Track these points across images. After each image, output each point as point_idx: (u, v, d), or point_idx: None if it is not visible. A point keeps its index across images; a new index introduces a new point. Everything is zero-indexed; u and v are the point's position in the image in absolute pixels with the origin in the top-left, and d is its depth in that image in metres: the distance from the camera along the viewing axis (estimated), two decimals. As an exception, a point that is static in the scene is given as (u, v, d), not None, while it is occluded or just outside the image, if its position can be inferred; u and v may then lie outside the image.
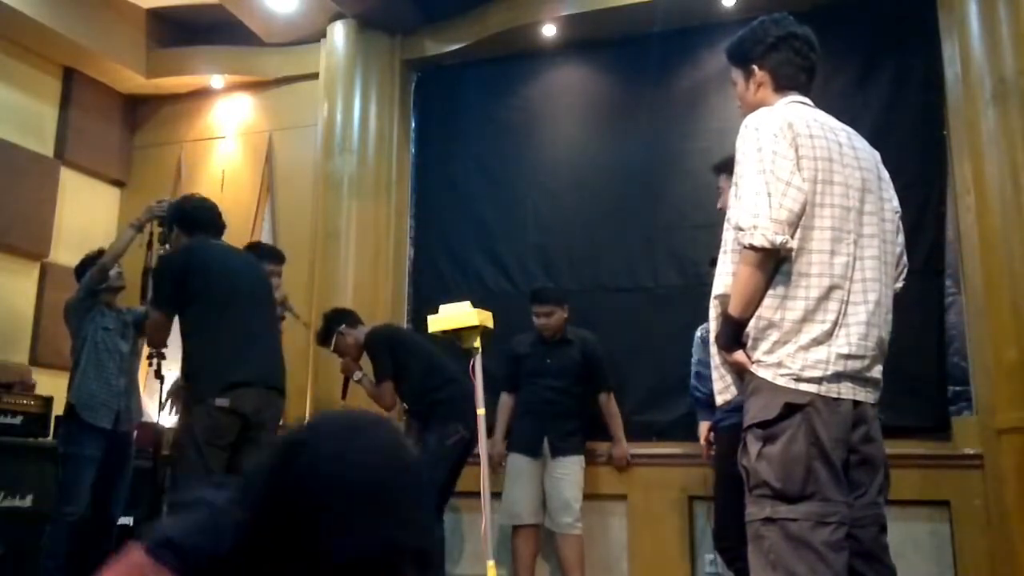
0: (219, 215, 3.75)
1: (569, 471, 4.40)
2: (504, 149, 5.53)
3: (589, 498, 4.49)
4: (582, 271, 5.16)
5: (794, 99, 2.28)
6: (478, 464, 2.89)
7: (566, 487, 4.37)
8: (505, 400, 4.69)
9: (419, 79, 5.91)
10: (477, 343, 2.90)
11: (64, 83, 5.96)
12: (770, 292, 2.08)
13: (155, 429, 5.19)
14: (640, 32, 5.21)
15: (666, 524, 4.63)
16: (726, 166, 2.78)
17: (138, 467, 4.86)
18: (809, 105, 2.28)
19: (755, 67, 2.33)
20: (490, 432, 4.18)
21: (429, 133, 5.84)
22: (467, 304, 2.91)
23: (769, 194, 2.04)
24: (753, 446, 2.05)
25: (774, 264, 2.07)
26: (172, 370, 5.21)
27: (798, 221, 2.06)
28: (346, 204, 5.39)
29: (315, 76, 5.79)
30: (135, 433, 4.45)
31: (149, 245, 4.22)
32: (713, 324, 2.22)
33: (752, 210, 2.04)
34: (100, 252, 4.39)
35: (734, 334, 2.12)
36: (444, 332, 2.91)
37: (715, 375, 2.24)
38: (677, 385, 4.53)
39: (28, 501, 4.42)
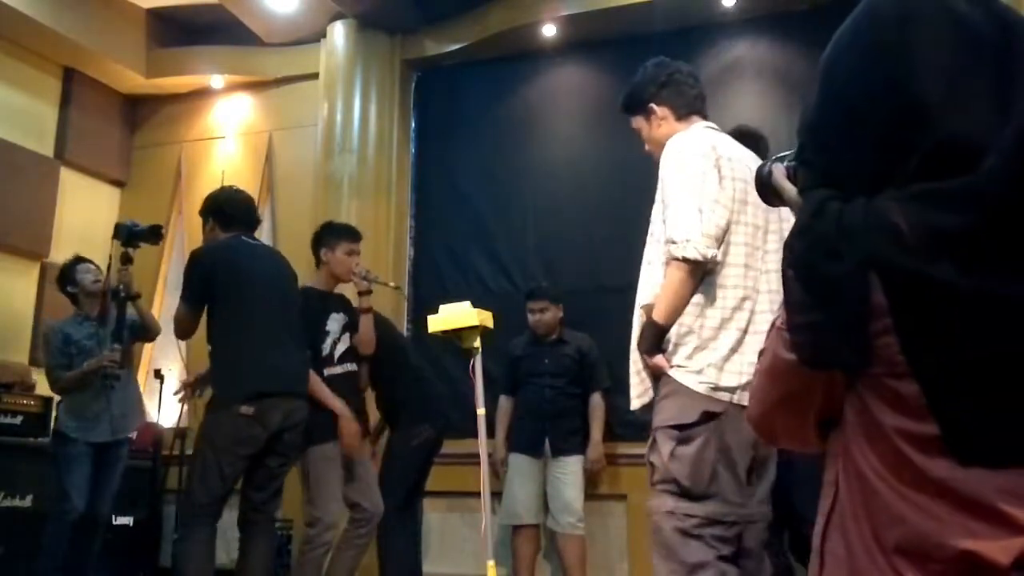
0: (255, 209, 3.73)
1: (570, 471, 4.40)
2: (504, 149, 5.53)
3: (589, 498, 4.49)
4: (582, 271, 5.16)
5: (706, 125, 2.44)
6: (478, 464, 2.88)
7: (567, 487, 4.37)
8: (504, 404, 4.69)
9: (419, 79, 5.91)
10: (477, 343, 2.90)
11: (64, 83, 5.96)
12: (692, 301, 2.22)
13: (155, 429, 5.20)
14: (640, 32, 5.21)
15: (666, 524, 4.62)
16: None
17: (138, 467, 4.87)
18: (717, 130, 2.45)
19: (653, 105, 2.48)
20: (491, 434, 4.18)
21: (429, 133, 5.84)
22: (467, 304, 2.90)
23: (700, 211, 2.19)
24: (665, 445, 2.19)
25: (701, 276, 2.21)
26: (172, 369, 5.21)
27: (723, 236, 2.21)
28: (346, 204, 5.39)
29: (315, 76, 5.78)
30: (132, 436, 4.44)
31: (109, 267, 4.14)
32: (636, 331, 2.34)
33: (685, 225, 2.18)
34: (78, 259, 4.41)
35: (658, 339, 2.24)
36: (444, 332, 2.90)
37: (634, 380, 2.35)
38: (677, 385, 4.53)
39: (28, 501, 4.42)
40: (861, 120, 0.88)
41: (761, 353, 1.01)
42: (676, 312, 2.20)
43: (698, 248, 2.15)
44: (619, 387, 4.79)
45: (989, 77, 0.81)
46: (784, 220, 2.37)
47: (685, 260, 2.16)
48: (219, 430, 3.25)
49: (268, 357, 3.35)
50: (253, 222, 3.68)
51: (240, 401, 3.23)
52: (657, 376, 2.26)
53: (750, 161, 2.35)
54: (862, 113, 0.88)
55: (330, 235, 3.98)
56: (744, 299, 2.22)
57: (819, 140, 0.94)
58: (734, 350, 2.19)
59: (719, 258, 2.20)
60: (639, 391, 2.33)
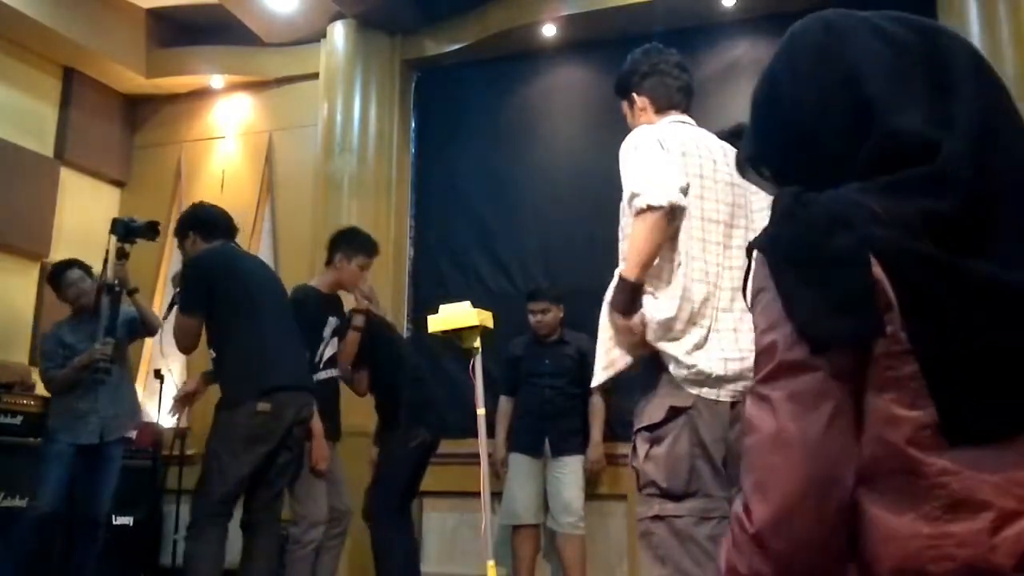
0: (232, 219, 3.74)
1: (570, 471, 4.40)
2: (504, 149, 5.53)
3: (589, 498, 4.49)
4: (582, 271, 5.14)
5: (675, 119, 2.43)
6: (478, 464, 2.88)
7: (567, 487, 4.37)
8: (504, 404, 4.69)
9: (419, 79, 5.91)
10: (477, 343, 2.90)
11: (64, 83, 5.96)
12: (662, 295, 2.17)
13: (155, 429, 5.19)
14: (640, 32, 5.19)
15: (666, 524, 4.62)
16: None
17: (138, 467, 4.86)
18: (690, 124, 2.43)
19: (634, 94, 2.50)
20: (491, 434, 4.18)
21: (429, 133, 5.84)
22: (467, 304, 2.91)
23: (657, 167, 2.14)
24: (641, 448, 2.18)
25: (668, 227, 2.11)
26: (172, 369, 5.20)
27: (684, 195, 2.13)
28: (346, 204, 5.39)
29: (315, 76, 5.78)
30: (130, 437, 4.43)
31: (105, 261, 4.12)
32: (605, 314, 2.23)
33: (644, 178, 2.12)
34: (70, 263, 4.40)
35: (631, 297, 2.13)
36: (444, 332, 2.91)
37: (600, 350, 2.24)
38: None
39: (27, 501, 4.41)
40: (817, 119, 0.91)
41: (745, 431, 0.90)
42: (646, 266, 2.10)
43: (661, 193, 2.07)
44: (619, 387, 4.80)
45: (922, 77, 0.88)
46: (756, 212, 2.35)
47: (650, 208, 2.07)
48: (234, 430, 3.23)
49: (277, 352, 3.37)
50: (234, 230, 3.71)
51: (257, 398, 3.22)
52: (632, 345, 2.17)
53: (719, 155, 2.33)
54: (816, 115, 0.91)
55: (351, 245, 3.99)
56: (708, 295, 2.18)
57: (764, 164, 0.98)
58: (698, 346, 2.14)
59: (686, 204, 2.14)
60: (603, 363, 2.22)
